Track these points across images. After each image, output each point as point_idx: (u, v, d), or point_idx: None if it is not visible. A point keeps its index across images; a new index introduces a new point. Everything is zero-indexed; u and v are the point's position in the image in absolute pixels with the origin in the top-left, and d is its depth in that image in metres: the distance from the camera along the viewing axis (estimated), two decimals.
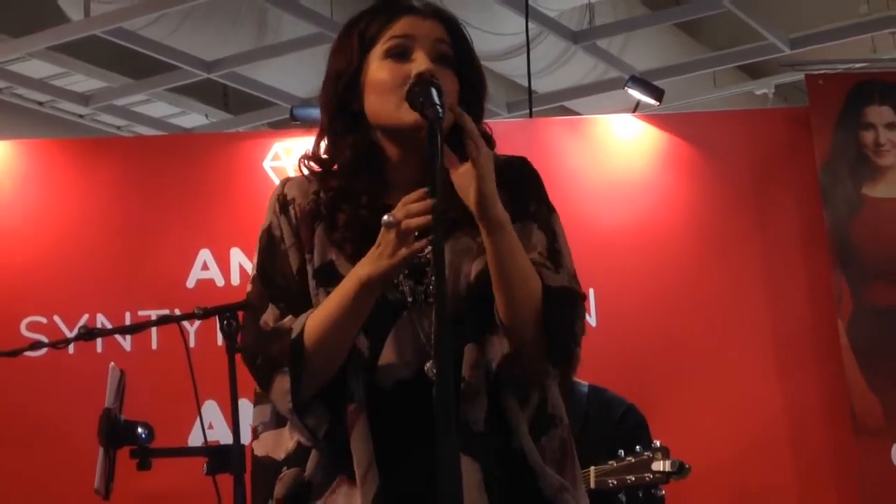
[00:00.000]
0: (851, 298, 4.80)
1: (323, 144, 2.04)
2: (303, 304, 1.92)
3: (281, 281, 1.96)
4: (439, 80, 1.89)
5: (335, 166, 2.01)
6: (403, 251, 1.85)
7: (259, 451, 2.00)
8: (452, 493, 1.61)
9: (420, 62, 1.93)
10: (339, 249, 1.94)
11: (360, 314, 1.88)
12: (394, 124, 1.94)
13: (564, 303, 1.92)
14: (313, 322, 1.88)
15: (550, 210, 2.02)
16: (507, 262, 1.87)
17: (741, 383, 4.84)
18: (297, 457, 1.95)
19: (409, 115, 1.89)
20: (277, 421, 1.98)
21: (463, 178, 1.84)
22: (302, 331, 1.88)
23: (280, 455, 1.96)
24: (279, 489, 1.93)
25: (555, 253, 1.97)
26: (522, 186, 2.01)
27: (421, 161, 1.92)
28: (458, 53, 1.99)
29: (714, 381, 4.83)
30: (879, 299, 4.82)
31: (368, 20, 2.00)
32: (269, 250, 1.99)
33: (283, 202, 2.01)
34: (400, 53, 1.95)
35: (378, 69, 1.96)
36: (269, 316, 1.92)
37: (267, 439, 2.00)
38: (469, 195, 1.83)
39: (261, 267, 1.99)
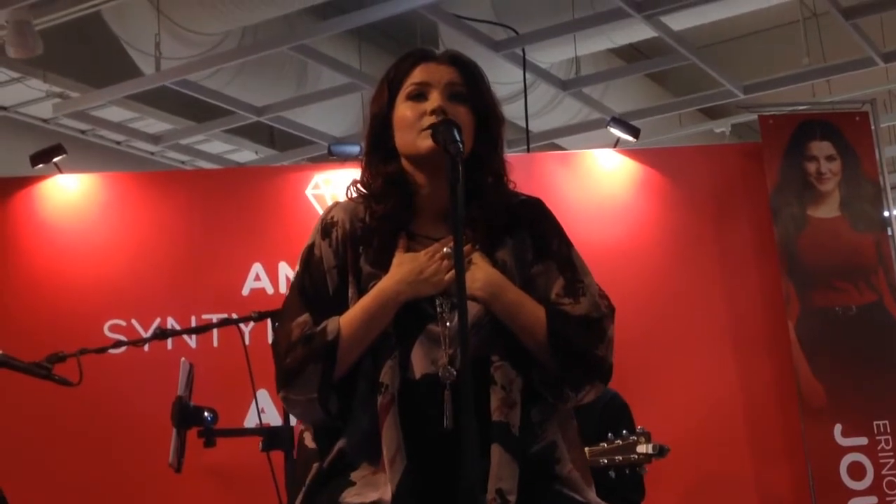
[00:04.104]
0: (798, 301, 4.79)
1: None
2: (332, 314, 1.91)
3: (315, 293, 1.94)
4: (455, 117, 1.90)
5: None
6: (448, 278, 1.86)
7: (309, 444, 1.98)
8: (473, 476, 1.61)
9: (433, 101, 1.93)
10: (378, 269, 1.93)
11: (386, 323, 1.88)
12: (414, 152, 1.95)
13: (580, 331, 1.89)
14: (347, 328, 1.87)
15: (569, 246, 2.00)
16: (507, 321, 1.89)
17: (705, 373, 4.82)
18: (320, 451, 1.93)
19: (424, 143, 1.91)
20: None
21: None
22: (338, 334, 1.86)
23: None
24: (305, 483, 1.92)
25: (575, 284, 1.94)
26: (542, 227, 2.00)
27: (446, 194, 1.90)
28: (471, 91, 1.98)
29: (682, 371, 4.81)
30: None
31: (395, 70, 2.01)
32: (308, 266, 1.97)
33: (326, 226, 1.99)
34: (418, 96, 1.96)
35: (401, 109, 1.97)
36: (301, 320, 1.91)
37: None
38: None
39: (300, 279, 1.97)
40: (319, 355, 1.86)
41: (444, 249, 1.91)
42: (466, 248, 1.91)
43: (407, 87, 1.98)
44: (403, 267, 1.90)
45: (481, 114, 1.98)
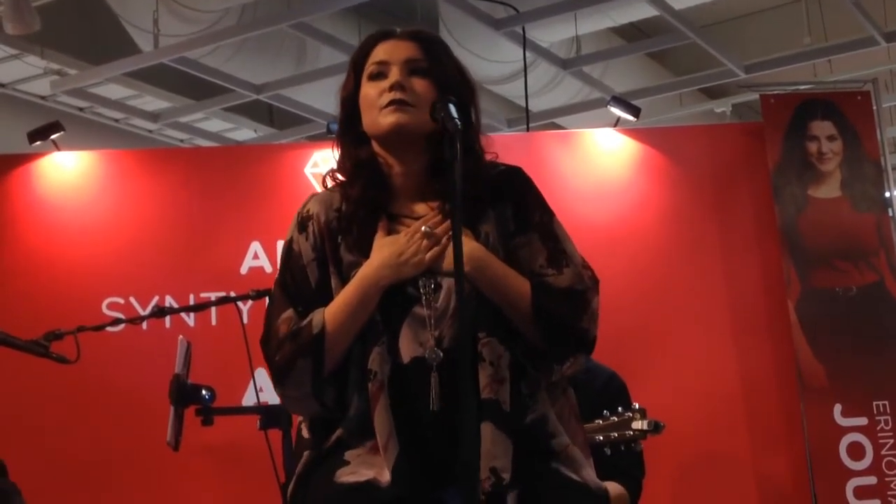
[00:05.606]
0: (799, 282, 4.77)
1: None
2: (317, 307, 1.90)
3: (297, 289, 1.93)
4: (413, 91, 1.91)
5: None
6: (428, 258, 1.85)
7: (305, 434, 1.97)
8: (472, 454, 1.61)
9: (392, 78, 1.93)
10: (359, 256, 1.91)
11: (371, 309, 1.86)
12: (377, 131, 1.94)
13: (564, 304, 1.88)
14: (332, 320, 1.86)
15: (551, 216, 1.98)
16: (491, 294, 1.87)
17: (705, 354, 4.81)
18: (315, 441, 1.92)
19: (385, 121, 1.91)
20: None
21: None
22: (323, 327, 1.85)
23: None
24: (299, 466, 1.92)
25: (558, 254, 1.92)
26: (524, 198, 1.97)
27: (419, 171, 1.93)
28: (431, 65, 1.96)
29: (682, 351, 4.80)
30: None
31: (358, 53, 2.01)
32: (288, 262, 1.97)
33: (302, 220, 1.99)
34: (378, 74, 1.96)
35: (365, 90, 1.97)
36: (286, 316, 1.90)
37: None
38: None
39: (281, 275, 1.97)
40: (307, 350, 1.85)
41: (423, 228, 1.89)
42: (447, 223, 1.89)
43: (368, 67, 1.98)
44: (384, 251, 1.89)
45: (444, 86, 1.95)
